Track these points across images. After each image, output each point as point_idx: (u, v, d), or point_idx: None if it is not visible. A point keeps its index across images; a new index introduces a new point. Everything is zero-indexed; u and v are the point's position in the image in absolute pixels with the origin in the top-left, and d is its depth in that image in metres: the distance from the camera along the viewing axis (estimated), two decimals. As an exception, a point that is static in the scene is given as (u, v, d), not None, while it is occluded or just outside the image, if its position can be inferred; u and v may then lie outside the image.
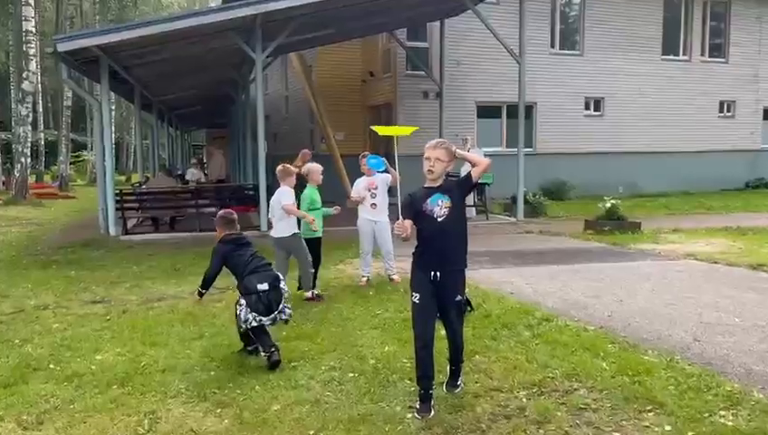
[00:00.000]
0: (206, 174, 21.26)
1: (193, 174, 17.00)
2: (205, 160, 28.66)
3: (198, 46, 13.28)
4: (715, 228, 11.81)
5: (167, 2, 42.05)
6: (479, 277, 7.50)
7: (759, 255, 8.88)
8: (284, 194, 6.49)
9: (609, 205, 11.89)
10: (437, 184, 3.74)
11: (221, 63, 16.59)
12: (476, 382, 4.15)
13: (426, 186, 3.74)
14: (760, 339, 4.87)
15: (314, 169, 7.07)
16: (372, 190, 7.30)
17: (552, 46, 18.76)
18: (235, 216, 5.11)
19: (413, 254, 3.79)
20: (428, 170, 3.68)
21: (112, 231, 11.66)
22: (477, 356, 4.63)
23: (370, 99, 19.52)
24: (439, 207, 3.68)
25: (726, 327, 5.24)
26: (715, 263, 8.39)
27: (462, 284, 3.90)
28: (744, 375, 4.09)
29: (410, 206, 3.70)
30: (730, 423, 3.38)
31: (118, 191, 12.33)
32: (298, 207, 6.63)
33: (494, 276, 7.64)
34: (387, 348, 4.90)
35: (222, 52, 14.35)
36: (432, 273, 3.70)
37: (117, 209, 11.91)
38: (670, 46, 20.28)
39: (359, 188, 7.35)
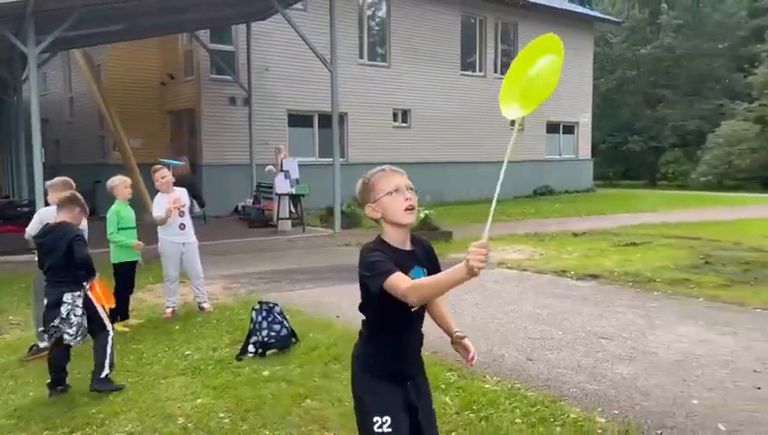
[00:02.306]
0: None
1: None
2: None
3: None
4: (517, 235, 12.51)
5: None
6: (302, 300, 6.93)
7: (561, 260, 9.44)
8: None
9: (422, 215, 12.03)
10: (411, 246, 2.26)
11: (-15, 58, 14.08)
12: (310, 437, 3.56)
13: (394, 244, 2.20)
14: (585, 353, 4.91)
15: (119, 182, 6.08)
16: (180, 209, 6.35)
17: (361, 57, 18.86)
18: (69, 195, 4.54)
19: (361, 356, 2.28)
20: (410, 207, 2.19)
21: None
22: (308, 400, 4.03)
23: (171, 103, 18.00)
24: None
25: (552, 341, 5.24)
26: (525, 271, 8.72)
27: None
28: (583, 397, 4.00)
29: (389, 261, 2.11)
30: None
31: None
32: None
33: (317, 297, 7.11)
34: (199, 400, 4.09)
35: (-15, 43, 12.10)
36: (408, 383, 2.28)
37: None
38: (468, 63, 21.54)
39: (162, 206, 6.28)
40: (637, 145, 32.91)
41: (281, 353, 4.96)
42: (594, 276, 8.14)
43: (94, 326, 4.34)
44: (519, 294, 7.19)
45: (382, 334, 2.25)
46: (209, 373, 4.59)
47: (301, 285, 7.94)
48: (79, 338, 4.24)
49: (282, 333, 5.03)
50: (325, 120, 16.30)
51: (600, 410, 3.78)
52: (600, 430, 3.49)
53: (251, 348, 4.95)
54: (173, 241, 6.35)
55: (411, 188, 2.22)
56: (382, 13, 19.70)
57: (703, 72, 33.61)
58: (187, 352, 5.10)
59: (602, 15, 28.13)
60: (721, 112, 30.88)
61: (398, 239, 2.22)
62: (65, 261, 4.23)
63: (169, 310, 6.40)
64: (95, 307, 4.38)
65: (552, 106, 23.55)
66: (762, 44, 30.87)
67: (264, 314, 5.07)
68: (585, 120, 25.51)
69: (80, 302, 4.26)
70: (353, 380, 2.30)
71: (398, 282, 2.02)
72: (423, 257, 2.27)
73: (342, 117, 17.67)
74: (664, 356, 4.79)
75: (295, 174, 13.00)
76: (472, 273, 1.83)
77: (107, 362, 4.28)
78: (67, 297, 4.19)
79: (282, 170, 12.95)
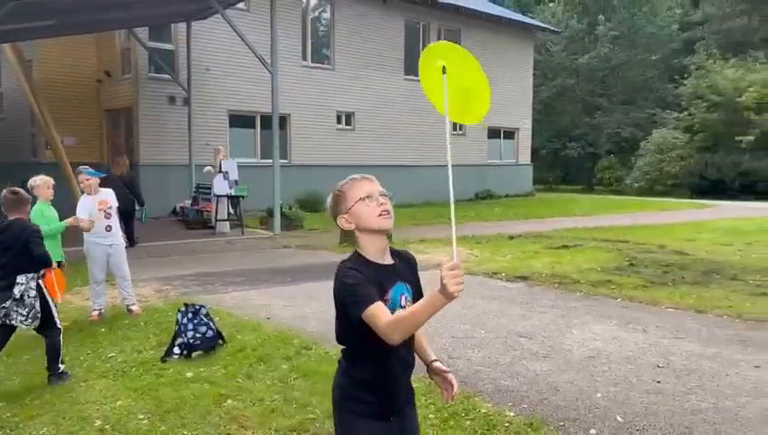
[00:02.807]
0: None
1: None
2: None
3: None
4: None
5: None
6: (234, 302, 6.93)
7: (494, 262, 9.72)
8: None
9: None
10: (390, 259, 2.11)
11: None
12: (228, 435, 3.61)
13: (372, 259, 2.05)
14: (503, 351, 5.12)
15: (40, 182, 5.88)
16: (107, 210, 6.24)
17: (305, 59, 18.85)
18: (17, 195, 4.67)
19: (339, 387, 2.10)
20: (385, 211, 2.07)
21: None
22: (230, 401, 4.08)
23: (108, 101, 17.55)
24: (405, 308, 2.05)
25: (475, 340, 5.43)
26: (458, 272, 8.92)
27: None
28: (496, 392, 4.18)
29: (369, 286, 1.96)
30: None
31: None
32: None
33: (250, 300, 7.12)
34: (119, 402, 4.08)
35: None
36: (392, 419, 2.10)
37: None
38: (411, 67, 21.78)
39: (87, 208, 6.11)
40: (575, 151, 33.98)
41: (206, 355, 4.97)
42: (523, 278, 8.42)
43: (46, 322, 4.50)
44: (449, 295, 7.37)
45: (363, 364, 2.04)
46: (132, 376, 4.57)
47: (234, 287, 7.92)
48: (30, 320, 4.42)
49: (207, 335, 5.04)
50: (267, 121, 16.20)
51: (510, 404, 3.97)
52: (507, 423, 3.67)
53: (176, 350, 4.95)
54: (99, 243, 6.24)
55: (384, 194, 2.10)
56: (326, 15, 19.75)
57: (637, 82, 35.00)
58: (110, 355, 5.05)
59: (542, 25, 28.92)
60: (653, 121, 32.25)
61: (376, 252, 2.05)
62: (22, 255, 4.42)
63: (96, 312, 6.30)
64: (47, 301, 4.52)
65: (493, 112, 24.02)
66: (691, 57, 32.44)
67: (190, 315, 5.07)
68: (525, 126, 26.18)
69: (33, 284, 4.43)
70: (334, 410, 2.12)
71: (379, 315, 1.87)
72: (405, 271, 2.10)
73: (285, 118, 17.65)
74: (577, 353, 5.04)
75: (234, 175, 12.91)
76: (451, 297, 1.74)
77: (60, 357, 4.53)
78: (21, 278, 4.38)
79: (220, 171, 12.84)
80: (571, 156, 34.31)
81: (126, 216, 10.20)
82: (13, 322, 4.37)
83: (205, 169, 13.61)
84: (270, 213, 13.63)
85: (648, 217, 17.14)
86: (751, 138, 26.04)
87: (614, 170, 32.10)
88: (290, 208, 14.32)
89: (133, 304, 6.46)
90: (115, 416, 3.86)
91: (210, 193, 13.56)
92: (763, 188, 25.15)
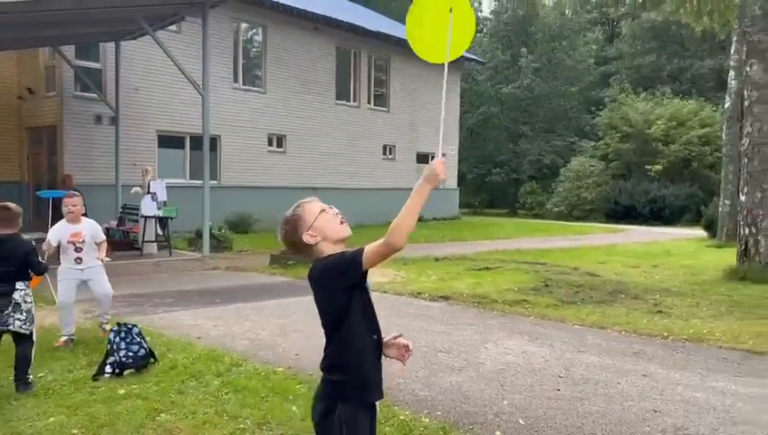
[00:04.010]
0: None
1: None
2: None
3: None
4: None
5: None
6: (164, 323, 7.04)
7: (419, 283, 10.17)
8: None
9: (292, 239, 12.36)
10: None
11: None
12: (162, 447, 3.81)
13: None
14: (423, 365, 5.51)
15: None
16: (78, 244, 6.01)
17: (236, 81, 19.00)
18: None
19: (338, 382, 2.26)
20: (343, 220, 2.36)
21: None
22: (163, 415, 4.26)
23: (30, 119, 17.09)
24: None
25: (397, 355, 5.80)
26: (385, 292, 9.32)
27: None
28: (414, 402, 4.56)
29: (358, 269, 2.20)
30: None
31: None
32: None
33: (180, 320, 7.24)
34: (51, 419, 4.18)
35: None
36: (375, 406, 2.33)
37: None
38: (342, 92, 22.31)
39: (58, 236, 5.92)
40: (499, 176, 35.40)
41: (138, 373, 5.11)
42: (445, 298, 8.90)
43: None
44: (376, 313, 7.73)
45: (356, 340, 2.26)
46: (63, 394, 4.66)
47: (164, 308, 8.01)
48: (28, 324, 4.73)
49: (140, 354, 5.18)
50: (197, 141, 16.20)
51: (426, 411, 4.36)
52: (422, 428, 4.05)
53: (108, 368, 5.06)
54: (71, 268, 6.05)
55: (331, 207, 2.35)
56: (258, 38, 20.00)
57: (557, 112, 36.92)
58: (40, 374, 5.09)
59: (469, 55, 30.12)
60: (572, 149, 34.12)
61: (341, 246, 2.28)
62: (19, 267, 4.72)
63: (64, 338, 5.99)
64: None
65: (421, 138, 24.92)
66: (606, 90, 34.65)
67: (123, 334, 5.20)
68: (452, 151, 27.11)
69: (30, 291, 4.79)
70: (331, 410, 2.23)
71: (372, 246, 2.07)
72: None
73: (216, 140, 17.69)
74: (489, 366, 5.50)
75: (162, 196, 12.88)
76: (436, 183, 2.17)
77: (31, 367, 4.78)
78: (20, 285, 4.71)
79: (149, 192, 12.79)
80: (496, 181, 35.69)
81: None
82: (10, 327, 4.65)
83: (132, 190, 13.52)
84: (199, 234, 13.62)
85: (566, 241, 18.16)
86: (659, 167, 28.03)
87: (536, 195, 33.60)
88: (219, 230, 14.36)
89: (107, 324, 6.28)
90: (48, 432, 3.97)
91: (137, 214, 13.44)
92: (669, 214, 27.02)
